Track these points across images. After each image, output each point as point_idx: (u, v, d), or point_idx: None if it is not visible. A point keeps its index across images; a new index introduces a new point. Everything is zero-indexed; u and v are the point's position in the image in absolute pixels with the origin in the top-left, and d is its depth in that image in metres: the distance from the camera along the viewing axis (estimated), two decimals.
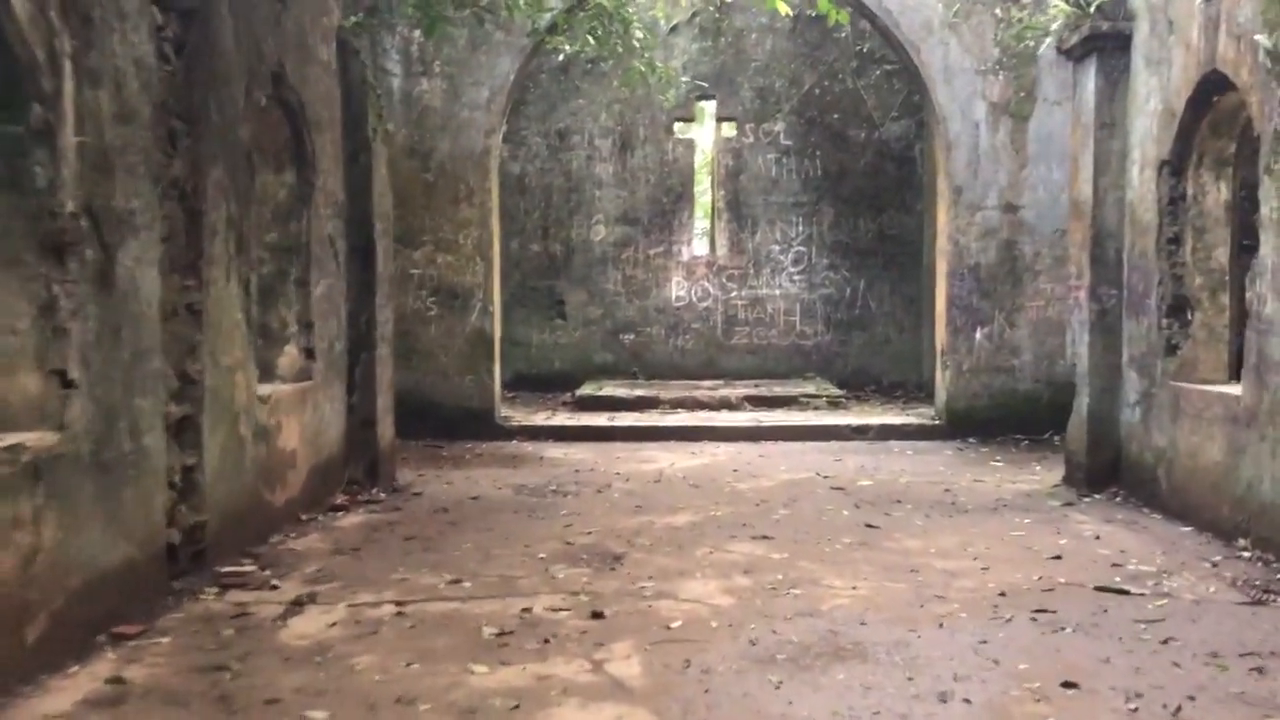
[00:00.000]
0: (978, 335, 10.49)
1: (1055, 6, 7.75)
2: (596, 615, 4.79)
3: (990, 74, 10.36)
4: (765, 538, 6.33)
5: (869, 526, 6.62)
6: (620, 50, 7.89)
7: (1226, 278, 6.88)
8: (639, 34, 7.52)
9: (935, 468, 8.92)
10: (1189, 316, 6.89)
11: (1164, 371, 6.96)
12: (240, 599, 5.06)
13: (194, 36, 5.28)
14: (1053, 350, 10.44)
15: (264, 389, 6.40)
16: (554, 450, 9.96)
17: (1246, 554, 5.79)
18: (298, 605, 4.98)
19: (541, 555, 5.93)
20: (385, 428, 8.05)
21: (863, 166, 13.85)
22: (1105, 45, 7.47)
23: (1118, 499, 7.42)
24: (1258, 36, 5.66)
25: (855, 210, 13.88)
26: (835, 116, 13.84)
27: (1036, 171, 10.38)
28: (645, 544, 6.19)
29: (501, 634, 4.56)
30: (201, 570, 5.36)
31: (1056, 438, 10.20)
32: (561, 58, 13.57)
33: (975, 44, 10.35)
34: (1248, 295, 5.89)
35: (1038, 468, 8.89)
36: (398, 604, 5.00)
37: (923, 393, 13.39)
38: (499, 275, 11.01)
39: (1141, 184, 7.26)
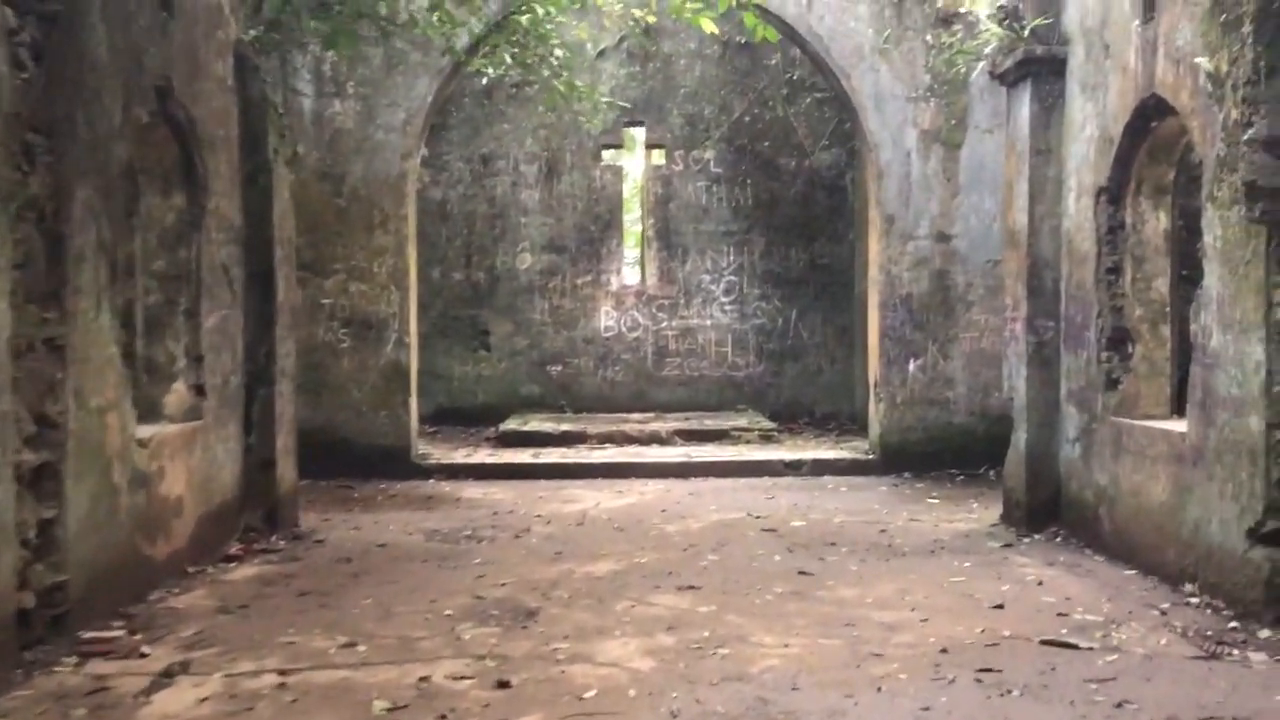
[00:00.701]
0: (911, 367, 10.22)
1: (988, 30, 7.53)
2: (503, 684, 4.31)
3: (921, 101, 10.15)
4: (692, 588, 5.90)
5: (802, 573, 6.23)
6: (544, 72, 7.48)
7: (1167, 309, 6.66)
8: (558, 53, 7.13)
9: (870, 505, 8.59)
10: (1129, 349, 6.65)
11: (1104, 406, 6.70)
12: (101, 670, 4.50)
13: (57, 43, 4.76)
14: (987, 382, 10.22)
15: (144, 430, 5.84)
16: (473, 490, 9.45)
17: (1195, 600, 5.50)
18: (167, 677, 4.43)
19: (448, 612, 5.44)
20: (286, 469, 7.49)
21: (794, 195, 13.61)
22: (1040, 70, 7.25)
23: (1058, 539, 7.13)
24: (1199, 59, 5.43)
25: (787, 239, 13.62)
26: (766, 144, 13.59)
27: (969, 200, 10.19)
28: (563, 597, 5.73)
29: (394, 709, 4.07)
30: (61, 637, 4.78)
31: (992, 472, 9.98)
32: (485, 81, 13.14)
33: (906, 70, 10.15)
34: (1191, 328, 5.64)
35: (975, 505, 8.60)
36: (281, 673, 4.48)
37: (855, 424, 13.12)
38: (416, 305, 10.50)
39: (1078, 212, 7.03)
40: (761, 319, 13.70)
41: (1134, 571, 6.17)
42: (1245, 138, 4.88)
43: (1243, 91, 4.97)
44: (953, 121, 10.17)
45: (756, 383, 13.71)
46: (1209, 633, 4.97)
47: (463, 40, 9.67)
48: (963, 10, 10.06)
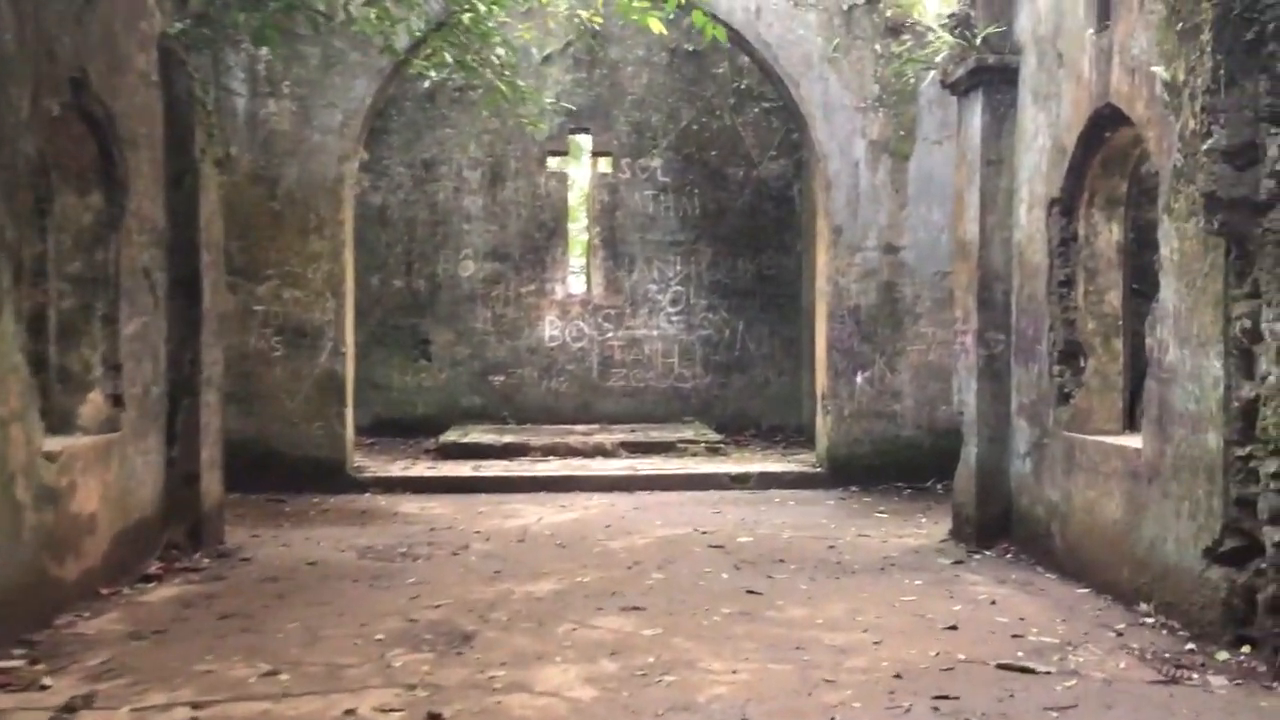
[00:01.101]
0: (859, 379, 10.09)
1: (939, 39, 7.42)
2: (434, 717, 4.04)
3: (870, 111, 10.05)
4: (637, 609, 5.67)
5: (750, 593, 6.02)
6: (486, 73, 7.22)
7: (1120, 322, 6.56)
8: (501, 52, 6.87)
9: (818, 520, 8.42)
10: (1081, 363, 6.54)
11: (1056, 421, 6.58)
12: None
13: None
14: (934, 395, 10.12)
15: (53, 443, 5.48)
16: (410, 505, 9.13)
17: (1150, 620, 5.38)
18: (69, 712, 4.10)
19: (379, 636, 5.15)
20: (211, 483, 7.14)
21: (741, 205, 13.47)
22: (991, 79, 7.14)
23: (1009, 556, 7.01)
24: (1155, 68, 5.34)
25: (734, 250, 13.47)
26: (713, 154, 13.43)
27: (917, 212, 10.09)
28: (501, 619, 5.46)
29: None
30: None
31: (939, 486, 9.88)
32: (427, 84, 12.88)
33: (855, 80, 10.04)
34: (1148, 342, 5.53)
35: (923, 519, 8.47)
36: (194, 706, 4.17)
37: (802, 436, 12.97)
38: (353, 312, 10.16)
39: (1030, 224, 6.92)
40: (708, 330, 13.53)
41: (1087, 590, 6.05)
42: (1204, 148, 4.78)
43: (1201, 100, 4.87)
44: (901, 132, 10.08)
45: (703, 394, 13.53)
46: (1167, 655, 4.84)
47: (402, 40, 9.37)
48: (911, 20, 9.98)
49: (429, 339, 13.28)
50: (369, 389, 13.02)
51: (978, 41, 7.13)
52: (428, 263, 13.27)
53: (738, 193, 13.46)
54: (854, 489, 9.88)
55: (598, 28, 13.12)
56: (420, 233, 13.26)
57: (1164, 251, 5.37)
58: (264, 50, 9.55)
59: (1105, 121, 6.07)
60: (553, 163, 13.64)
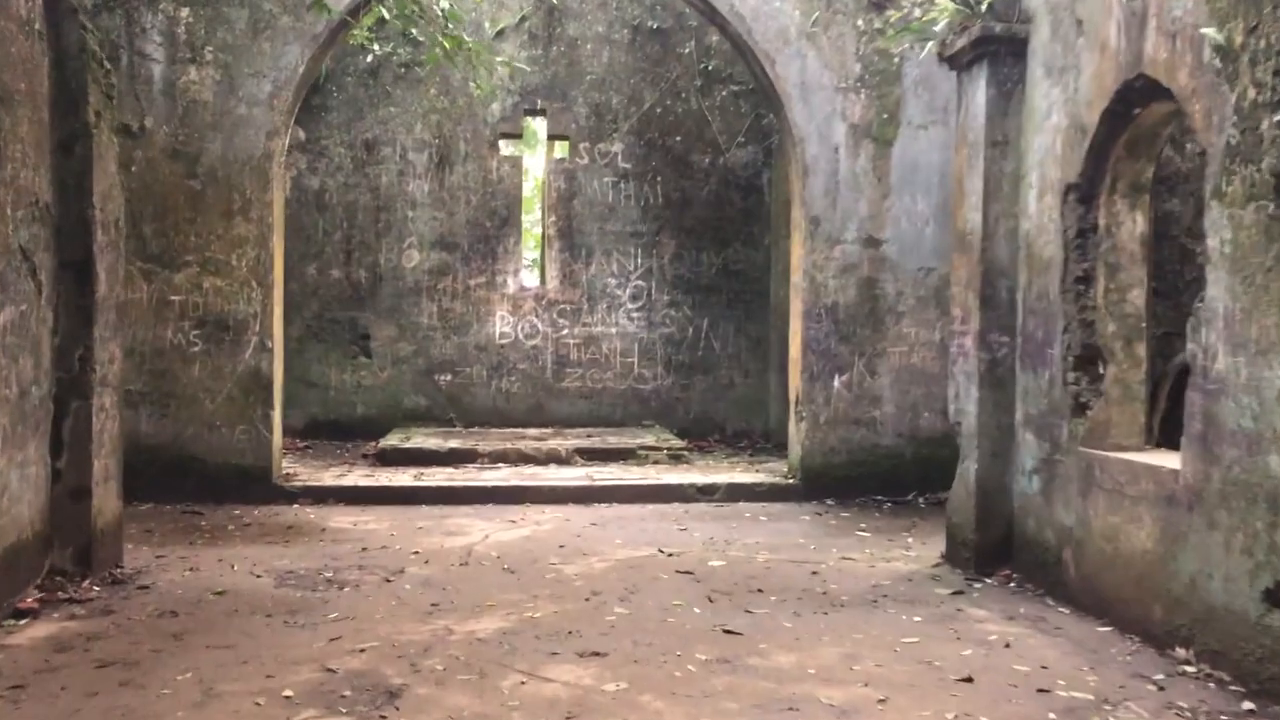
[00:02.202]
0: (836, 383, 9.33)
1: (938, 6, 6.64)
2: None
3: (851, 92, 9.28)
4: (597, 654, 4.83)
5: (728, 632, 5.21)
6: (428, 28, 6.33)
7: (1143, 325, 5.83)
8: (444, 3, 5.98)
9: (795, 539, 7.63)
10: (1100, 370, 5.80)
11: (1070, 435, 5.84)
12: None
13: None
14: (916, 401, 9.39)
15: None
16: (342, 518, 8.22)
17: (1191, 669, 4.64)
18: None
19: (287, 692, 4.27)
20: (106, 498, 6.18)
21: (706, 195, 12.66)
22: (997, 51, 6.39)
23: (1013, 584, 6.26)
24: (1205, 30, 4.59)
25: (698, 242, 12.66)
26: (678, 139, 12.62)
27: (900, 202, 9.34)
28: (435, 669, 4.60)
29: None
30: None
31: (921, 499, 9.21)
32: (370, 59, 11.95)
33: (835, 58, 9.26)
34: (1189, 348, 4.79)
35: (910, 539, 7.71)
36: None
37: (769, 443, 12.23)
38: (282, 304, 9.22)
39: (1041, 213, 6.18)
40: (670, 328, 12.71)
41: (1109, 629, 5.31)
42: (1277, 119, 4.03)
43: (1272, 64, 4.12)
44: (884, 116, 9.32)
45: (664, 396, 12.71)
46: (1223, 716, 4.10)
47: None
48: None
49: (369, 334, 12.33)
50: (304, 388, 12.10)
51: (983, 8, 6.37)
52: (369, 252, 12.32)
53: (703, 181, 12.65)
54: (830, 502, 9.12)
55: (555, 1, 12.32)
56: (361, 219, 12.31)
57: (1212, 243, 4.63)
58: (184, 11, 8.63)
59: (1135, 95, 5.33)
60: (505, 146, 12.74)
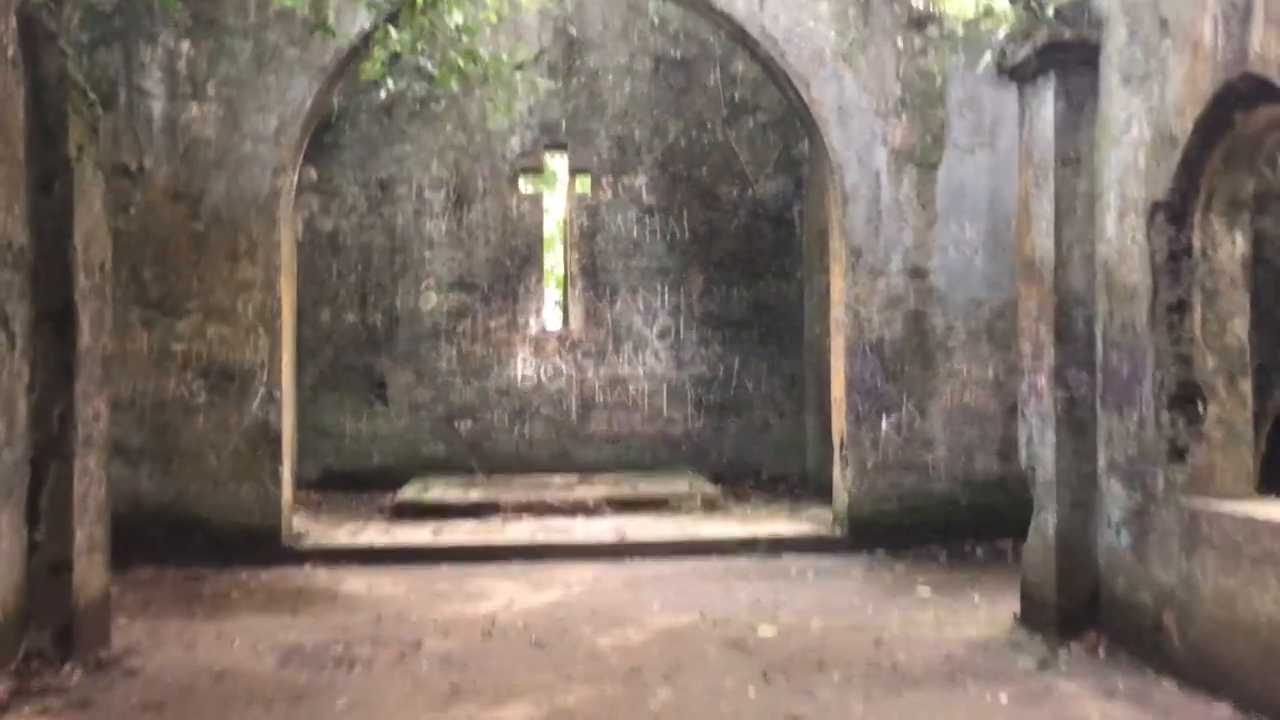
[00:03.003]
0: (883, 425, 8.67)
1: (998, 13, 6.06)
2: None
3: (892, 115, 8.70)
4: None
5: None
6: (437, 40, 5.79)
7: (1246, 358, 5.18)
8: (458, 18, 5.43)
9: (850, 599, 6.96)
10: (1200, 410, 5.14)
11: (1167, 483, 5.18)
12: None
13: None
14: (971, 443, 8.72)
15: None
16: (356, 581, 7.61)
17: None
18: None
19: None
20: (90, 572, 5.59)
21: (736, 228, 12.09)
22: (1066, 59, 5.80)
23: (1103, 652, 5.56)
24: None
25: (728, 277, 12.08)
26: (704, 171, 12.07)
27: (947, 230, 8.73)
28: None
29: None
30: None
31: (979, 549, 8.51)
32: (384, 95, 11.47)
33: (874, 79, 8.70)
34: None
35: (976, 597, 7.01)
36: None
37: (808, 487, 11.55)
38: (292, 351, 8.67)
39: (1123, 235, 5.55)
40: (700, 367, 12.09)
41: (1230, 708, 4.61)
42: None
43: None
44: (928, 139, 8.73)
45: (695, 439, 12.07)
46: None
47: (352, 27, 8.01)
48: (939, 12, 8.67)
49: (385, 380, 11.77)
50: (317, 438, 11.54)
51: (1048, 13, 5.79)
52: (384, 295, 11.78)
53: (732, 214, 12.09)
54: (881, 554, 8.43)
55: (574, 33, 11.86)
56: (376, 261, 11.79)
57: None
58: (185, 44, 8.17)
59: (1237, 98, 4.72)
60: (526, 183, 12.23)
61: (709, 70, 11.96)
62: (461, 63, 5.61)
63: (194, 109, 8.28)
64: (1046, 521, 5.97)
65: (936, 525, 8.62)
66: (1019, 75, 6.18)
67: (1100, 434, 5.76)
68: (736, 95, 12.00)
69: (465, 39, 5.46)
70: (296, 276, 11.32)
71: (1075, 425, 5.84)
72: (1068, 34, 5.73)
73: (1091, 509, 5.81)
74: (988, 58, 6.46)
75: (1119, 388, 5.59)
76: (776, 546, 8.55)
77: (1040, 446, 6.02)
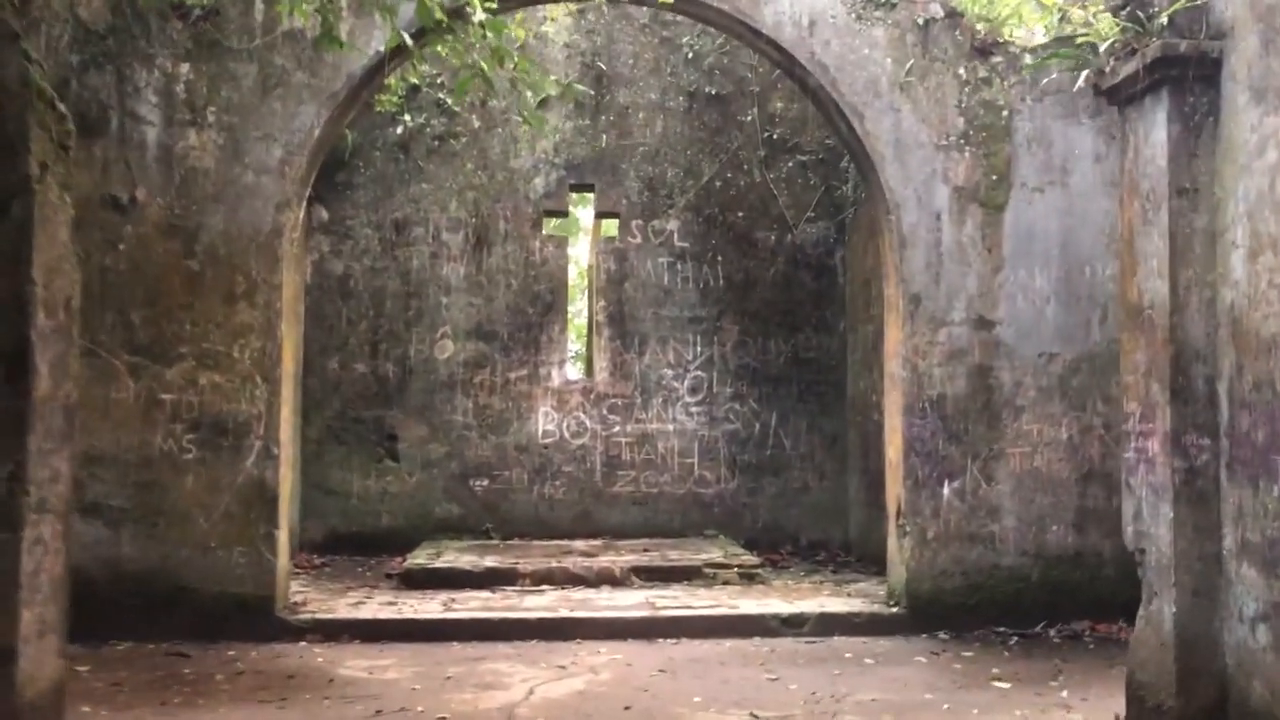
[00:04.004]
0: (945, 491, 7.82)
1: (1097, 25, 5.31)
2: None
3: (954, 150, 7.96)
4: None
5: None
6: (472, 58, 5.06)
7: None
8: (480, 15, 4.71)
9: (918, 693, 6.06)
10: None
11: None
12: None
13: None
14: (1042, 513, 7.85)
15: None
16: (356, 662, 6.76)
17: None
18: None
19: None
20: (40, 660, 4.75)
21: (773, 276, 11.32)
22: (1182, 75, 5.02)
23: None
24: None
25: (765, 328, 11.28)
26: (740, 215, 11.34)
27: (1015, 276, 7.94)
28: None
29: None
30: None
31: (1053, 631, 7.63)
32: (401, 130, 10.86)
33: (934, 111, 7.96)
34: None
35: (1064, 693, 6.11)
36: None
37: (851, 555, 10.68)
38: (291, 403, 7.91)
39: (1254, 277, 4.73)
40: (734, 424, 11.25)
41: None
42: None
43: None
44: (993, 177, 7.97)
45: (728, 502, 11.20)
46: None
47: (370, 49, 7.36)
48: (1005, 40, 7.96)
49: (397, 434, 10.97)
50: (322, 496, 10.75)
51: (1162, 19, 5.02)
52: (397, 343, 11.03)
53: (769, 260, 11.32)
54: (944, 637, 7.55)
55: (604, 67, 11.22)
56: (389, 307, 11.05)
57: None
58: (184, 67, 7.51)
59: None
60: (550, 225, 11.53)
61: (746, 107, 11.27)
62: (485, 66, 4.86)
63: (192, 137, 7.60)
64: (1162, 612, 5.09)
65: (1004, 604, 7.75)
66: (1120, 96, 5.40)
67: (1227, 510, 4.90)
68: (775, 134, 11.29)
69: (489, 36, 4.72)
70: (303, 322, 10.67)
71: (1196, 499, 4.98)
72: (1183, 46, 4.96)
73: (1217, 598, 4.92)
74: (1083, 77, 5.68)
75: (1252, 456, 4.73)
76: (827, 625, 7.67)
77: (1153, 524, 5.16)
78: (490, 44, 4.70)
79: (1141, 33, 5.13)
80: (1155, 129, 5.15)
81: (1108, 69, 5.40)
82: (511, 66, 4.91)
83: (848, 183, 11.12)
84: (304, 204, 7.95)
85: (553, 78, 8.22)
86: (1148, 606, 5.21)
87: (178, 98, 7.61)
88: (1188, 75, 5.02)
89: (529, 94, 6.67)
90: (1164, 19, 5.05)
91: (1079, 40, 5.52)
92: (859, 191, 10.88)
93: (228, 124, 7.62)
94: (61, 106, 4.98)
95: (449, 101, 11.02)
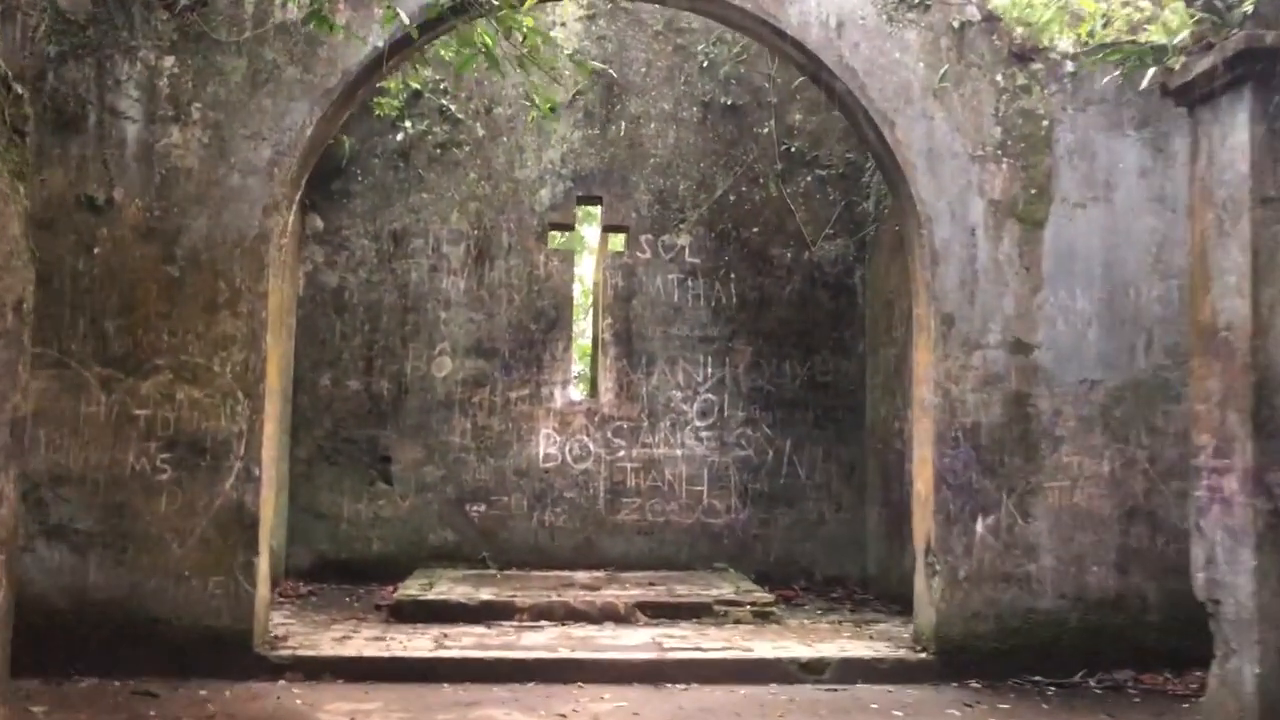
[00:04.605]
0: (979, 528, 7.25)
1: (1167, 16, 4.80)
2: None
3: (990, 161, 7.44)
4: None
5: None
6: (484, 41, 4.54)
7: None
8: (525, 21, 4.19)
9: None
10: None
11: None
12: None
13: None
14: (1082, 552, 7.28)
15: None
16: (338, 705, 6.19)
17: None
18: None
19: None
20: None
21: (789, 294, 10.79)
22: (1266, 69, 4.51)
23: None
24: None
25: (779, 350, 10.74)
26: (754, 231, 10.82)
27: (1055, 297, 7.40)
28: None
29: None
30: None
31: (1092, 680, 7.05)
32: (401, 137, 10.37)
33: (970, 119, 7.45)
34: None
35: None
36: None
37: (869, 592, 10.10)
38: (275, 421, 7.36)
39: None
40: (746, 450, 10.68)
41: None
42: None
43: None
44: (1032, 191, 7.45)
45: (739, 533, 10.62)
46: None
47: (368, 43, 6.86)
48: (1046, 45, 7.46)
49: (390, 456, 10.40)
50: (311, 520, 10.20)
51: (1242, 12, 4.52)
52: (393, 359, 10.48)
53: (785, 279, 10.79)
54: (976, 686, 6.97)
55: (615, 75, 10.74)
56: (385, 322, 10.51)
57: None
58: (168, 60, 7.02)
59: None
60: (555, 238, 11.03)
61: (763, 119, 10.77)
62: (490, 41, 4.35)
63: (174, 134, 7.08)
64: (1241, 672, 4.53)
65: (1040, 651, 7.17)
66: (1192, 95, 4.91)
67: None
68: (793, 147, 10.78)
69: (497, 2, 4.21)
70: (294, 336, 10.14)
71: None
72: (1270, 38, 4.46)
73: None
74: (1152, 73, 5.16)
75: None
76: (849, 672, 7.08)
77: (1230, 572, 4.61)
78: (498, 19, 4.17)
79: (1219, 24, 4.63)
80: (1235, 130, 4.64)
81: (1177, 66, 4.88)
82: (520, 39, 4.38)
83: (869, 198, 10.61)
84: (294, 208, 7.43)
85: (568, 59, 7.62)
86: (1223, 665, 4.65)
87: (161, 93, 7.10)
88: (1274, 70, 4.51)
89: (535, 79, 6.11)
90: (1246, 8, 4.56)
91: (1143, 37, 4.99)
92: (881, 208, 10.38)
93: (213, 121, 7.11)
94: (19, 87, 4.50)
95: (452, 108, 10.54)
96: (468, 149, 10.60)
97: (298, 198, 7.48)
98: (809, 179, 10.85)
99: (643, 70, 10.83)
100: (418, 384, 10.48)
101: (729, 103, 10.83)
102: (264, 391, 7.03)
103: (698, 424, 10.69)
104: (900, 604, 9.32)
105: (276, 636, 7.35)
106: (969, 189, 7.42)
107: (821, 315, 10.79)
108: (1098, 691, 6.91)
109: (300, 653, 7.05)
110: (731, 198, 10.81)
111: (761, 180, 10.82)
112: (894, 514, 9.76)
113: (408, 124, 10.36)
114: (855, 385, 10.73)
